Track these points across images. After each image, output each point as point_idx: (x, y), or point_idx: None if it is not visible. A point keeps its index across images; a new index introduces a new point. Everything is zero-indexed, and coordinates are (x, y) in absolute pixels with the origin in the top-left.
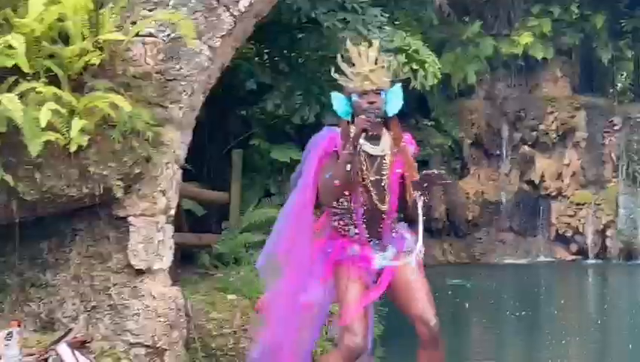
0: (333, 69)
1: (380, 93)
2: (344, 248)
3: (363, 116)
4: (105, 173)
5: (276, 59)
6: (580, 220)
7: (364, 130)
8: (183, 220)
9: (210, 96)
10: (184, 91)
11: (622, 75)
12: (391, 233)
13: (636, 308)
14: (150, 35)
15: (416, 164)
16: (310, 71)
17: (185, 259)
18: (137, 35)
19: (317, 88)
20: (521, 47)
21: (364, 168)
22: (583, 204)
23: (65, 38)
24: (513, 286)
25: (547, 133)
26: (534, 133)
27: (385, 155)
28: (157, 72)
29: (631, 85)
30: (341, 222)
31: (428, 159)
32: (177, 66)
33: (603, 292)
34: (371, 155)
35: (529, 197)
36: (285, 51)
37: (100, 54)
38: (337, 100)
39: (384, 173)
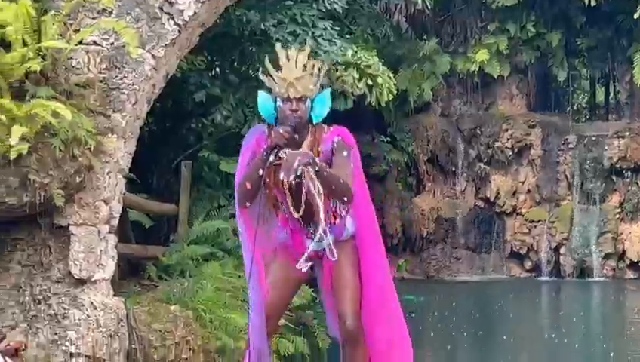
0: (260, 70)
1: (305, 101)
2: (278, 234)
3: (281, 130)
4: (46, 181)
5: (226, 71)
6: (534, 237)
7: (276, 146)
8: (130, 231)
9: (160, 107)
10: (127, 100)
11: (577, 93)
12: (330, 221)
13: (587, 324)
14: (94, 43)
15: (343, 160)
16: (261, 83)
17: (131, 271)
18: (80, 42)
19: None
20: (477, 65)
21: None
22: (537, 222)
23: (5, 45)
24: (466, 302)
25: (502, 151)
26: (490, 151)
27: None
28: (100, 81)
29: (586, 104)
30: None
31: (384, 175)
32: (121, 75)
33: (555, 309)
34: None
35: (484, 214)
36: (236, 63)
37: (42, 61)
38: (263, 101)
39: (303, 176)
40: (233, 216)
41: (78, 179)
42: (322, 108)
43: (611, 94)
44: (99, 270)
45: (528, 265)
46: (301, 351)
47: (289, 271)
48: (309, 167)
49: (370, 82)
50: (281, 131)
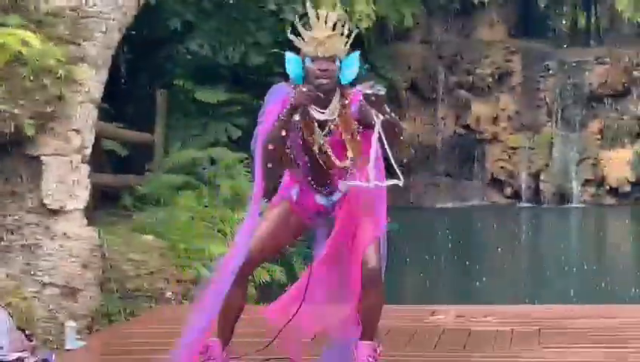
0: (289, 30)
1: (334, 61)
2: (288, 189)
3: (305, 89)
4: (15, 111)
5: None
6: (514, 164)
7: (301, 105)
8: (105, 160)
9: (134, 34)
10: (98, 29)
11: (558, 19)
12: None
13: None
14: None
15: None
16: (235, 10)
17: (106, 200)
18: None
19: (242, 28)
20: None
21: (311, 133)
22: (517, 148)
23: None
24: (447, 229)
25: (483, 78)
26: (470, 78)
27: (333, 120)
28: (70, 9)
29: (567, 30)
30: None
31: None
32: (91, 3)
33: (534, 234)
34: (319, 120)
35: (464, 141)
36: None
37: None
38: (290, 62)
39: (329, 137)
40: (210, 145)
41: (48, 109)
42: (351, 70)
43: (592, 20)
44: (72, 200)
45: (508, 191)
46: (278, 280)
47: (290, 218)
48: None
49: (348, 9)
50: (304, 90)
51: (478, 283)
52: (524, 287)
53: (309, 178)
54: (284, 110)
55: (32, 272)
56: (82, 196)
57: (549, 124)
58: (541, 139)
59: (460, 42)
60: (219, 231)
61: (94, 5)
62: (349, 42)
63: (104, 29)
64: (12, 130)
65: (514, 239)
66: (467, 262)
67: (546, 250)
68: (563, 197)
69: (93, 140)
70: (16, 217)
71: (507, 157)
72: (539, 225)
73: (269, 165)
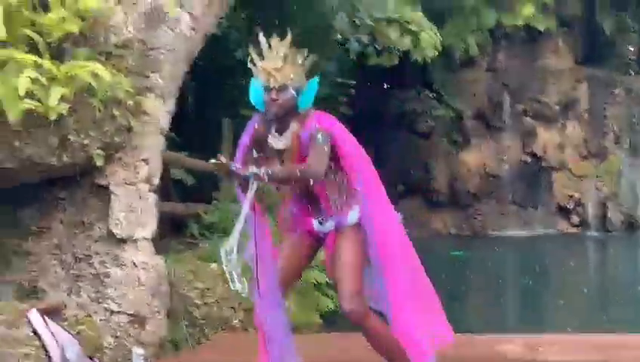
0: (248, 60)
1: (285, 90)
2: (284, 211)
3: (212, 161)
4: (85, 141)
5: (267, 29)
6: (581, 192)
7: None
8: (172, 189)
9: (201, 65)
10: (166, 60)
11: (625, 46)
12: (333, 208)
13: (634, 277)
14: (132, 3)
15: (320, 146)
16: (300, 40)
17: (174, 228)
18: (119, 3)
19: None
20: (523, 19)
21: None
22: (584, 176)
23: (45, 6)
24: (514, 257)
25: (549, 105)
26: (536, 105)
27: (288, 148)
28: (138, 42)
29: (634, 57)
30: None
31: (429, 131)
32: (159, 35)
33: (603, 263)
34: (277, 149)
35: (530, 169)
36: (276, 21)
37: (81, 22)
38: (254, 89)
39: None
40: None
41: (117, 139)
42: (307, 96)
43: None
44: (139, 229)
45: (575, 219)
46: None
47: (295, 240)
48: (257, 181)
49: (410, 37)
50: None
51: (545, 312)
52: (593, 316)
53: (303, 202)
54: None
55: (101, 300)
56: (150, 225)
57: (616, 151)
58: (608, 166)
59: (525, 70)
60: None
61: (162, 37)
62: (304, 69)
63: (172, 61)
64: (82, 160)
65: (582, 267)
66: (534, 291)
67: (615, 279)
68: (631, 225)
69: (160, 169)
70: (86, 246)
71: (574, 185)
72: (607, 253)
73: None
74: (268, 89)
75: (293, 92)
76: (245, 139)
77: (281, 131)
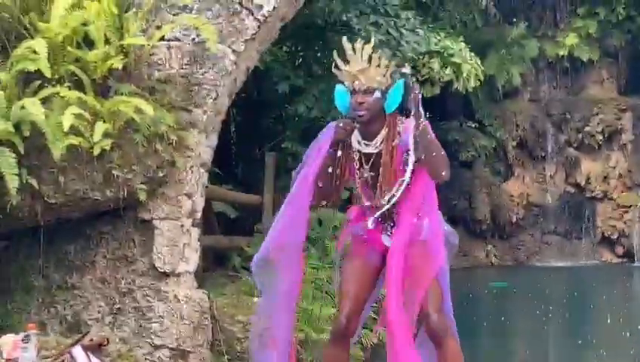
0: (333, 65)
1: (372, 92)
2: (354, 227)
3: (341, 123)
4: (129, 176)
5: (310, 62)
6: (625, 223)
7: (338, 141)
8: (214, 222)
9: (244, 99)
10: (208, 95)
11: None
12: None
13: None
14: (175, 39)
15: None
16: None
17: (217, 261)
18: (162, 39)
19: None
20: (566, 49)
21: (358, 166)
22: (629, 207)
23: (89, 43)
24: (557, 288)
25: (593, 135)
26: (580, 135)
27: (379, 152)
28: (181, 76)
29: None
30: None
31: (472, 160)
32: (202, 70)
33: None
34: (366, 153)
35: (574, 200)
36: (319, 54)
37: (124, 58)
38: (339, 94)
39: (380, 169)
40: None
41: (160, 174)
42: (393, 98)
43: None
44: (182, 263)
45: (620, 250)
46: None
47: (365, 263)
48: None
49: (453, 69)
50: (340, 125)
51: (589, 346)
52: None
53: (375, 214)
54: (328, 148)
55: (144, 334)
56: (192, 259)
57: None
58: None
59: (568, 100)
60: (326, 293)
61: (205, 73)
62: (389, 72)
63: (214, 96)
64: (126, 195)
65: (627, 299)
66: (578, 323)
67: None
68: None
69: (203, 203)
70: (129, 280)
71: (618, 216)
72: None
73: (323, 203)
74: (354, 92)
75: (379, 94)
76: (325, 145)
77: (368, 136)
